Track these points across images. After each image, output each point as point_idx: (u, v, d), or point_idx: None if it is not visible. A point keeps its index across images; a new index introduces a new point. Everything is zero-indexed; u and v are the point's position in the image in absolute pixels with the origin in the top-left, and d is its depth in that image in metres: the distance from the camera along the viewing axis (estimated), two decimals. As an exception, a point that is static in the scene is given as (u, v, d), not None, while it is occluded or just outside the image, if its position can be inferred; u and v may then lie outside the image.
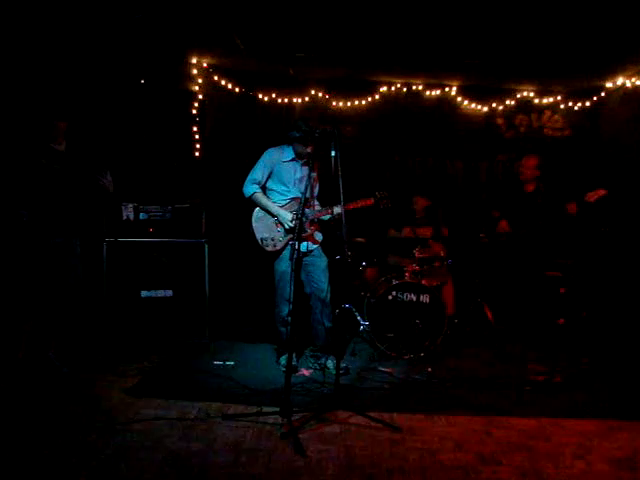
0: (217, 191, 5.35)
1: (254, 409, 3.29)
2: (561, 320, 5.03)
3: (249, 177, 4.07)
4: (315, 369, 4.10)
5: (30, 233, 3.61)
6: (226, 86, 5.69)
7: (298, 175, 4.06)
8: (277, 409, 3.20)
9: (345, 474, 2.65)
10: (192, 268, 4.54)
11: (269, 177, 4.06)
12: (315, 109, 5.96)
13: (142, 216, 4.52)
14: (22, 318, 3.72)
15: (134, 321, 4.47)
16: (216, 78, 5.56)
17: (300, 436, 2.95)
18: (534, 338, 4.89)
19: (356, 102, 6.00)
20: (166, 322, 4.51)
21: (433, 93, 5.99)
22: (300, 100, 6.00)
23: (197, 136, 5.44)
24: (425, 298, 4.52)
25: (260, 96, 5.97)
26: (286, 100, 6.00)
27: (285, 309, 3.99)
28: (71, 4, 3.83)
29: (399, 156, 6.14)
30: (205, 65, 5.37)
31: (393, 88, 5.96)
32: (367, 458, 2.80)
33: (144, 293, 4.51)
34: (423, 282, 4.58)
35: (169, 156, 5.38)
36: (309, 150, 3.91)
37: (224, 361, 4.21)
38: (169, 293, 4.54)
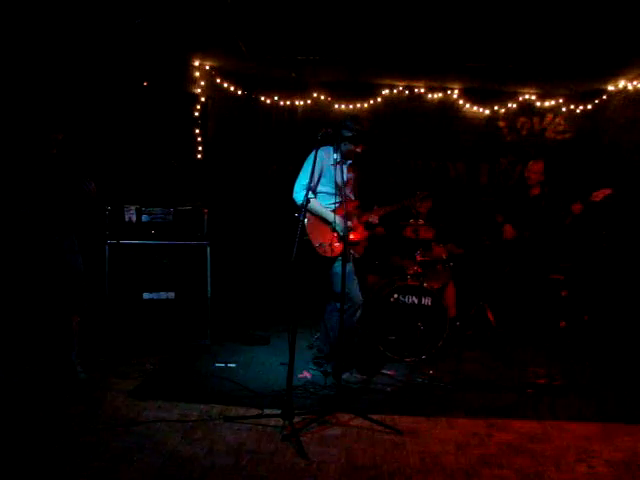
0: (219, 193, 5.36)
1: (255, 411, 3.30)
2: (563, 323, 5.03)
3: (299, 182, 3.80)
4: (317, 371, 4.09)
5: (31, 230, 3.61)
6: (228, 89, 5.71)
7: (345, 177, 3.82)
8: (279, 411, 3.20)
9: (347, 476, 2.65)
10: (194, 270, 4.56)
11: (318, 180, 3.84)
12: (317, 112, 5.98)
13: (144, 218, 4.53)
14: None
15: (136, 323, 4.48)
16: (219, 81, 5.58)
17: (302, 438, 2.95)
18: (536, 341, 4.90)
19: (358, 105, 6.02)
20: (168, 324, 4.52)
21: (435, 96, 6.01)
22: (302, 103, 6.02)
23: (199, 138, 5.45)
24: (427, 301, 4.52)
25: (262, 99, 5.99)
26: (288, 103, 6.02)
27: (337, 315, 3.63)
28: (77, 8, 3.86)
29: (401, 159, 6.16)
30: (208, 68, 5.39)
31: (395, 91, 5.98)
32: (368, 460, 2.80)
33: (146, 295, 4.52)
34: (425, 285, 4.58)
35: (171, 158, 5.39)
36: (358, 150, 3.84)
37: (226, 363, 4.21)
38: (171, 295, 4.54)
